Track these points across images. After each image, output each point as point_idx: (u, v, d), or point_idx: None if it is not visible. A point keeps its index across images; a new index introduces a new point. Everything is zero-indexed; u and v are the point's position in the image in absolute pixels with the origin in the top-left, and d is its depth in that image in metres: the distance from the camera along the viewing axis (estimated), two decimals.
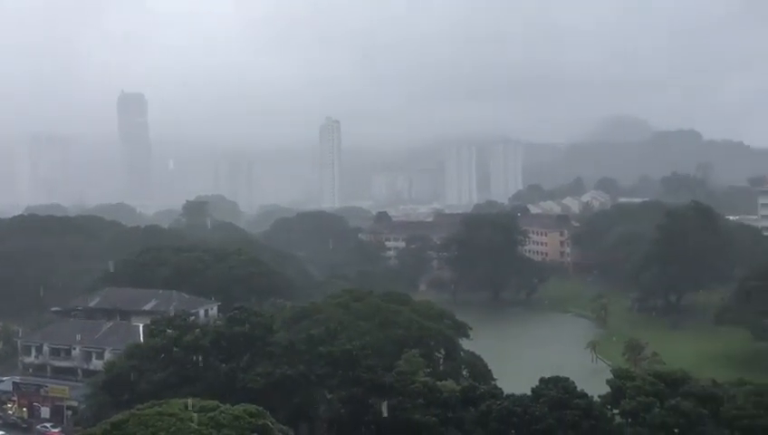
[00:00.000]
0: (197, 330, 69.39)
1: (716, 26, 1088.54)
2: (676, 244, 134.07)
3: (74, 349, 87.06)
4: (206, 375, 64.35)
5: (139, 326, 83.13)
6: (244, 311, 70.98)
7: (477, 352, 77.40)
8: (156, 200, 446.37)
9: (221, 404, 46.05)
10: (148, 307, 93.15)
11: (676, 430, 44.13)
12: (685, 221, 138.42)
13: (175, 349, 66.44)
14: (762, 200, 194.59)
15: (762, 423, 42.17)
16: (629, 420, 46.33)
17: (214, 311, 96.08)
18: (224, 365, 65.05)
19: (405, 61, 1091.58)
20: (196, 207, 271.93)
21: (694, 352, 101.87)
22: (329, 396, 59.35)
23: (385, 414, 51.02)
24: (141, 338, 76.55)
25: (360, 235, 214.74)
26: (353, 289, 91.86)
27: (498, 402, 49.44)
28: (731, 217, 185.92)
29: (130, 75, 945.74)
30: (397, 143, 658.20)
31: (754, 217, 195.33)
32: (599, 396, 49.08)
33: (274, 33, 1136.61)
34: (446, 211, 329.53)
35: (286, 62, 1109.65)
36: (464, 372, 73.65)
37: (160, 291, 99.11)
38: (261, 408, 46.21)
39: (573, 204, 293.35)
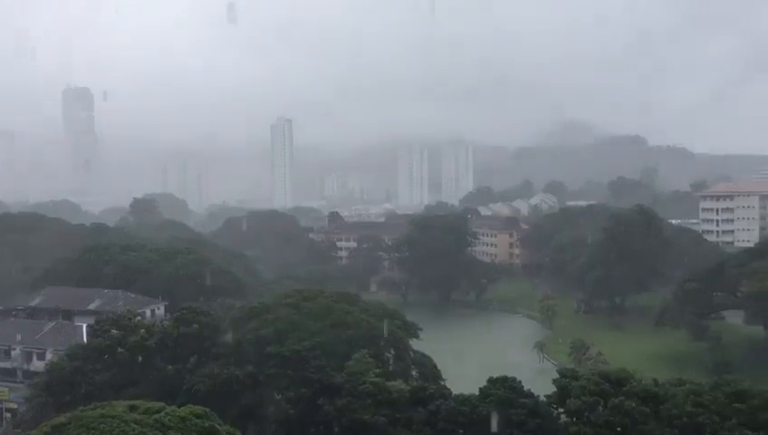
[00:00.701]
0: (143, 330, 68.12)
1: (662, 36, 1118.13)
2: (621, 246, 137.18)
3: (14, 349, 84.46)
4: (151, 376, 63.24)
5: (82, 326, 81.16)
6: (191, 311, 69.99)
7: (427, 353, 77.81)
8: (102, 198, 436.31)
9: (167, 406, 45.28)
10: (92, 307, 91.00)
11: (619, 429, 45.12)
12: (629, 224, 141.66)
13: (119, 350, 65.11)
14: (703, 205, 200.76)
15: (699, 421, 43.44)
16: (574, 419, 47.18)
17: (161, 311, 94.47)
18: (170, 366, 64.03)
19: (358, 61, 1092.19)
20: (144, 206, 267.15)
21: (636, 352, 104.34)
22: (277, 397, 58.93)
23: (334, 415, 50.97)
24: (85, 338, 74.78)
25: (311, 235, 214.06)
26: (304, 289, 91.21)
27: (447, 402, 49.83)
28: (674, 221, 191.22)
29: (78, 70, 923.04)
30: (349, 143, 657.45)
31: (696, 220, 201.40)
32: (545, 395, 49.87)
33: (227, 31, 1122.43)
34: (398, 212, 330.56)
35: (238, 60, 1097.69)
36: (413, 373, 73.90)
37: (105, 290, 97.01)
38: (208, 409, 45.60)
39: (523, 206, 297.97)
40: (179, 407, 45.53)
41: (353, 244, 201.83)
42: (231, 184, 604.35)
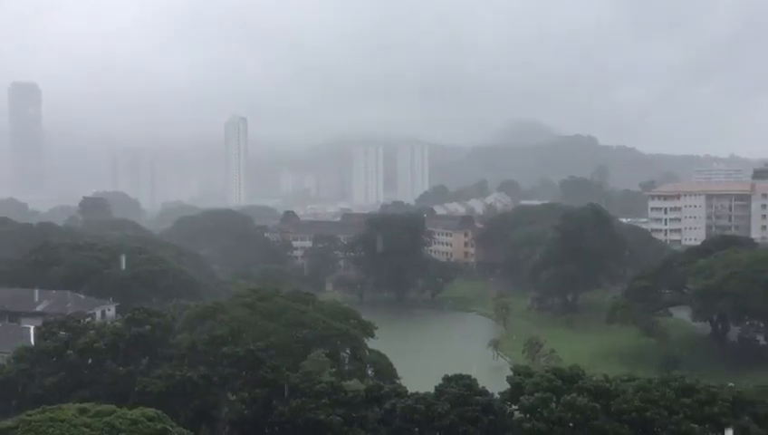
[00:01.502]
0: (93, 332, 66.65)
1: (614, 38, 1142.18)
2: (573, 245, 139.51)
3: None
4: (102, 379, 61.92)
5: (29, 328, 78.95)
6: (143, 311, 68.73)
7: (383, 352, 77.97)
8: (50, 196, 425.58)
9: (118, 408, 44.40)
10: (39, 308, 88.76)
11: (571, 425, 45.87)
12: (581, 223, 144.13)
13: (68, 352, 63.56)
14: (652, 204, 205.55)
15: (648, 416, 44.43)
16: (528, 415, 47.76)
17: (111, 312, 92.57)
18: (121, 368, 62.78)
19: (315, 60, 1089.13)
20: (94, 204, 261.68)
21: (588, 348, 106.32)
22: (232, 398, 58.32)
23: (289, 415, 50.70)
24: (32, 341, 72.78)
25: (266, 234, 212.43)
26: (258, 289, 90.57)
27: (402, 401, 49.95)
28: (624, 220, 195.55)
29: (26, 65, 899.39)
30: (305, 142, 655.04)
31: (645, 219, 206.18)
32: (499, 393, 50.39)
33: (181, 27, 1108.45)
34: (354, 211, 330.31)
35: (192, 57, 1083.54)
36: (369, 372, 73.96)
37: (53, 291, 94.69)
38: (160, 411, 44.87)
39: (477, 205, 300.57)
40: (131, 409, 44.72)
41: (309, 243, 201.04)
42: (184, 182, 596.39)
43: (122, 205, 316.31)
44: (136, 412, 43.64)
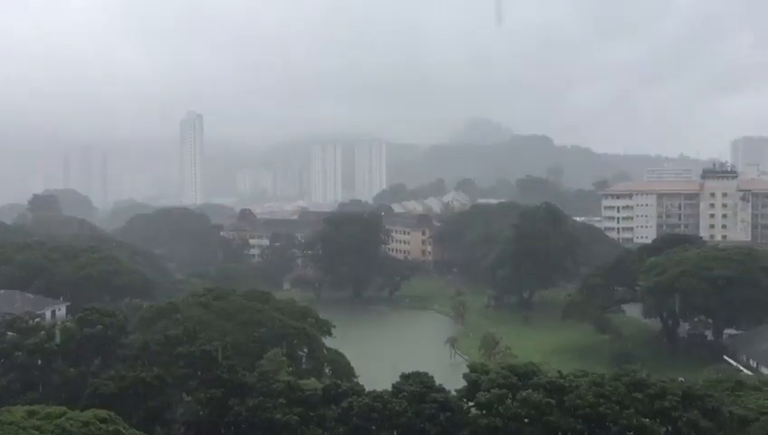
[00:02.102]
0: (42, 332, 65.10)
1: (571, 39, 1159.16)
2: (529, 243, 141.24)
3: None
4: (52, 380, 60.56)
5: None
6: (95, 311, 67.41)
7: (340, 350, 77.85)
8: None
9: (69, 410, 43.46)
10: None
11: (526, 420, 46.42)
12: (536, 222, 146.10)
13: (17, 353, 61.95)
14: (605, 203, 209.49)
15: (601, 411, 45.20)
16: (484, 411, 48.18)
17: (62, 312, 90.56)
18: (72, 369, 61.47)
19: (273, 58, 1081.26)
20: (43, 202, 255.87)
21: (543, 345, 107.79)
22: (187, 398, 57.50)
23: (245, 415, 50.24)
24: None
25: (222, 232, 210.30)
26: (214, 288, 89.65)
27: (359, 399, 49.89)
28: (578, 219, 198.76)
29: None
30: (262, 140, 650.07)
31: (598, 218, 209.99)
32: (455, 390, 50.72)
33: (135, 22, 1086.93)
34: (311, 209, 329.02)
35: (149, 55, 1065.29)
36: (326, 370, 73.81)
37: (1, 291, 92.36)
38: (112, 413, 44.05)
39: (435, 204, 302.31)
40: (82, 411, 43.82)
41: (266, 241, 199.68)
42: (138, 180, 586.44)
43: (73, 203, 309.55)
44: (87, 414, 42.79)
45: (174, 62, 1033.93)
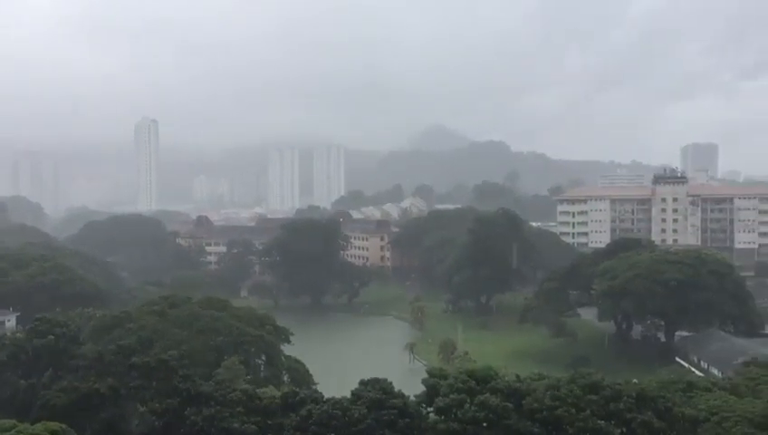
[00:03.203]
0: None
1: (528, 47, 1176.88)
2: (486, 248, 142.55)
3: None
4: (1, 393, 58.79)
5: None
6: (46, 321, 65.70)
7: (299, 357, 77.35)
8: None
9: (19, 423, 42.31)
10: None
11: (485, 424, 46.70)
12: (493, 227, 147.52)
13: None
14: (560, 208, 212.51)
15: (558, 414, 45.76)
16: (443, 416, 48.34)
17: (12, 322, 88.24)
18: (23, 381, 59.79)
19: (231, 62, 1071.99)
20: None
21: (501, 349, 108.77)
22: (142, 409, 56.39)
23: (202, 425, 49.49)
24: None
25: (178, 239, 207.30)
26: (170, 296, 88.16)
27: (318, 407, 49.56)
28: (534, 224, 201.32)
29: None
30: (220, 145, 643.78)
31: (554, 223, 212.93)
32: (415, 395, 50.78)
33: (90, 27, 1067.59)
34: (269, 216, 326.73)
35: (102, 56, 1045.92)
36: (285, 378, 73.23)
37: None
38: (65, 425, 43.02)
39: (393, 210, 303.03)
40: (33, 424, 42.69)
41: (223, 248, 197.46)
42: (91, 186, 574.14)
43: (23, 210, 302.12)
44: (38, 427, 41.76)
45: (130, 66, 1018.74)
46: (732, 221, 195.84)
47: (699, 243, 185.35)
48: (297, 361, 76.48)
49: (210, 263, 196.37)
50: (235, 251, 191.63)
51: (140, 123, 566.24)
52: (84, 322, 79.58)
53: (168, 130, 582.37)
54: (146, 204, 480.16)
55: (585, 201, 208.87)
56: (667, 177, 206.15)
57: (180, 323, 75.17)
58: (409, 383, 54.44)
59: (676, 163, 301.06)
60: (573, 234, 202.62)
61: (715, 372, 78.11)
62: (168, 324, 74.37)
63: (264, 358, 75.69)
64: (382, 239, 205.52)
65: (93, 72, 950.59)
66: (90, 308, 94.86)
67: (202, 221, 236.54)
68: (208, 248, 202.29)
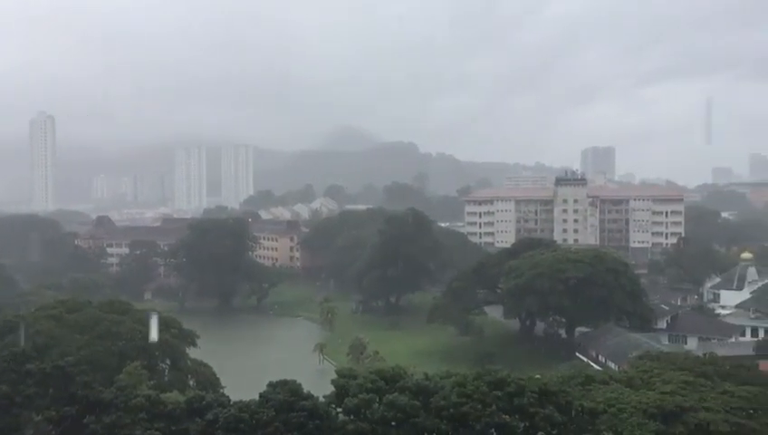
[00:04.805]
0: None
1: (432, 50, 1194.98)
2: (395, 248, 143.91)
3: None
4: None
5: None
6: None
7: (206, 361, 75.61)
8: None
9: None
10: None
11: (393, 423, 46.99)
12: (403, 227, 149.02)
13: None
14: (468, 209, 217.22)
15: (464, 410, 46.59)
16: (352, 416, 48.33)
17: None
18: None
19: (136, 59, 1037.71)
20: None
21: (410, 348, 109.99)
22: (37, 418, 53.68)
23: (102, 432, 47.58)
24: None
25: (77, 241, 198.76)
26: (68, 299, 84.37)
27: (225, 411, 48.54)
28: (442, 224, 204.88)
29: None
30: (123, 143, 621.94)
31: (462, 223, 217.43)
32: (324, 396, 50.56)
33: None
34: (175, 216, 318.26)
35: None
36: (190, 382, 71.41)
37: None
38: None
39: (303, 210, 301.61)
40: None
41: (125, 250, 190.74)
42: None
43: None
44: None
45: (26, 61, 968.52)
46: (627, 221, 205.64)
47: (598, 242, 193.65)
48: (203, 364, 74.75)
49: (112, 265, 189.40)
50: (139, 252, 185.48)
51: (35, 119, 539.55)
52: None
53: (67, 126, 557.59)
54: (42, 203, 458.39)
55: (491, 202, 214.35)
56: (567, 179, 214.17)
57: (79, 327, 72.11)
58: (319, 384, 54.17)
59: (576, 166, 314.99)
60: (480, 234, 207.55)
61: (612, 365, 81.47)
62: (65, 329, 71.21)
63: (168, 362, 73.57)
64: (292, 240, 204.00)
65: None
66: None
67: (103, 221, 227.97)
68: (110, 250, 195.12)
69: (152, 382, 62.56)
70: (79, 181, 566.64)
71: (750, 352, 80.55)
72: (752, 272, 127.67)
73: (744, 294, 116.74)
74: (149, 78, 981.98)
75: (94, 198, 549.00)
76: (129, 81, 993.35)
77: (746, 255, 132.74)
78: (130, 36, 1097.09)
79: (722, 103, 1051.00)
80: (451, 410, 46.95)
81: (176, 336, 76.74)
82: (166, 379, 69.92)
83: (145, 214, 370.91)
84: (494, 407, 47.16)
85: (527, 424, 47.57)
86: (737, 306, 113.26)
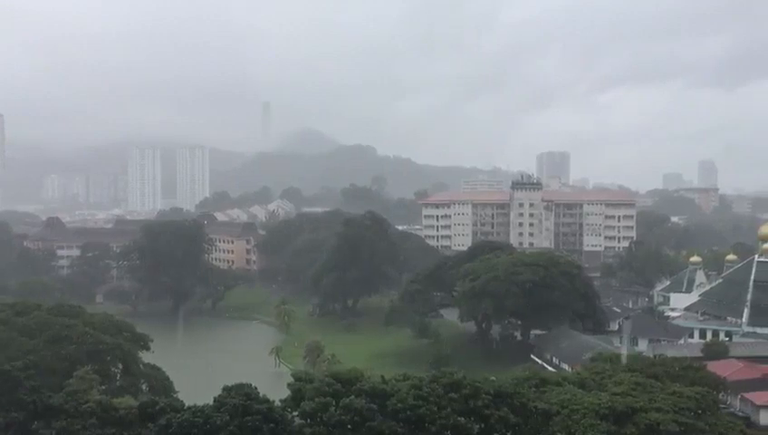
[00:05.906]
0: None
1: (390, 54, 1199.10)
2: (353, 251, 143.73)
3: None
4: None
5: None
6: None
7: (159, 365, 74.39)
8: None
9: None
10: None
11: (350, 427, 46.89)
12: (360, 230, 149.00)
13: None
14: (425, 212, 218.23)
15: (420, 413, 46.78)
16: (308, 420, 48.08)
17: None
18: None
19: (90, 58, 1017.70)
20: None
21: (367, 351, 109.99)
22: None
23: None
24: None
25: (25, 242, 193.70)
26: (16, 302, 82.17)
27: (178, 415, 47.83)
28: (400, 227, 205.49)
29: None
30: (75, 143, 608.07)
31: (419, 226, 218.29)
32: (280, 400, 50.20)
33: None
34: (129, 217, 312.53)
35: None
36: (143, 387, 70.24)
37: None
38: None
39: (260, 212, 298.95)
40: None
41: (77, 252, 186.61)
42: None
43: None
44: None
45: None
46: (581, 225, 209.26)
47: (552, 245, 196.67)
48: (156, 368, 73.56)
49: (62, 267, 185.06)
50: (90, 254, 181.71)
51: None
52: None
53: (17, 126, 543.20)
54: None
55: (449, 205, 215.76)
56: (523, 183, 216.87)
57: (28, 331, 70.25)
58: (275, 388, 53.79)
59: (532, 170, 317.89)
60: (438, 237, 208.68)
61: (566, 367, 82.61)
62: (13, 333, 69.28)
63: (120, 367, 72.18)
64: (248, 242, 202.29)
65: None
66: None
67: (53, 222, 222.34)
68: (60, 252, 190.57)
69: (104, 387, 61.44)
70: (28, 181, 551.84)
71: (698, 353, 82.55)
72: (700, 275, 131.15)
73: (693, 297, 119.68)
74: (105, 78, 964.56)
75: (44, 198, 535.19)
76: (83, 81, 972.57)
77: (695, 258, 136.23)
78: (86, 36, 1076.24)
79: (673, 110, 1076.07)
80: (407, 413, 47.08)
81: (128, 340, 75.39)
82: (118, 384, 68.67)
83: (97, 215, 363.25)
84: (449, 409, 47.46)
85: (482, 426, 47.99)
86: (686, 309, 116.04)
